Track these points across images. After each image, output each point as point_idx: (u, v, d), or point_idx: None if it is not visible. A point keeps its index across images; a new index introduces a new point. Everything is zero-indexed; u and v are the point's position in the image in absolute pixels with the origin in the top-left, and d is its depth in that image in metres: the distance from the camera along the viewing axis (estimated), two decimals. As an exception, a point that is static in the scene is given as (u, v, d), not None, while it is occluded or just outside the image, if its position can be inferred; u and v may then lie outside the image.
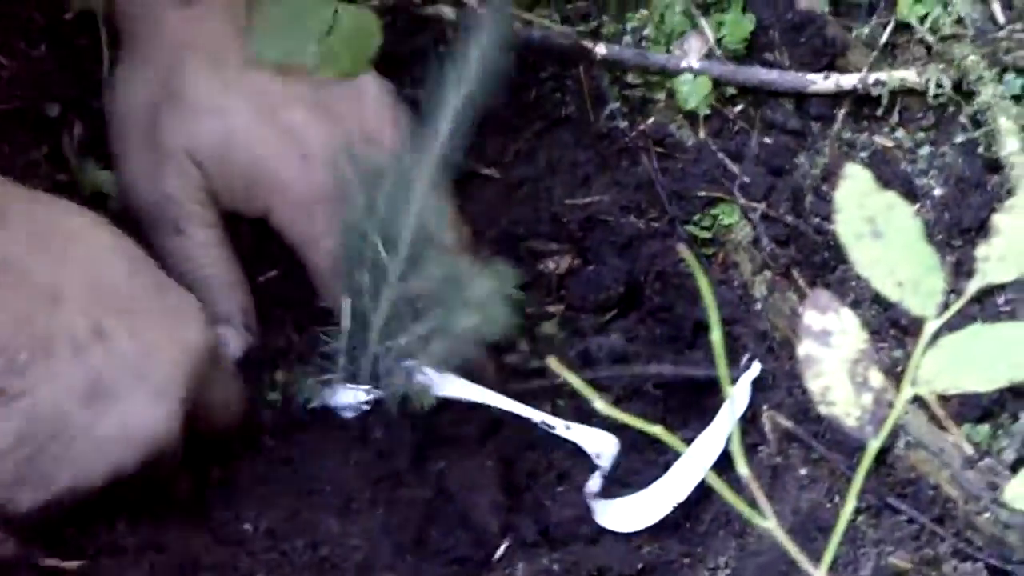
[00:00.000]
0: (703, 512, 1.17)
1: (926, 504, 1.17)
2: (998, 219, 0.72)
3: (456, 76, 1.08)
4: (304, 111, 1.19)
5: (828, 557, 0.69)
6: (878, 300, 1.29)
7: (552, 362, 0.68)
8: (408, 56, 1.32)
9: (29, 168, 1.21)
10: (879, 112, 1.38)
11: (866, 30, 1.41)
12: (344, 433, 1.15)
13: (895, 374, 1.22)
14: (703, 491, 1.18)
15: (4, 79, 1.24)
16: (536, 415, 1.18)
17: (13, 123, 1.23)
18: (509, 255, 1.27)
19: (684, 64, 1.36)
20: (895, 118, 1.39)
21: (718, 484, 0.69)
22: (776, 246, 1.31)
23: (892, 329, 1.28)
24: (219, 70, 1.18)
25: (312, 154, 1.17)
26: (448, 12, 1.36)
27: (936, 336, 0.71)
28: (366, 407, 1.15)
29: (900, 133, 1.39)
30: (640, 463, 1.20)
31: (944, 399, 1.23)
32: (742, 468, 0.68)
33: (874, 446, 0.69)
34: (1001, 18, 1.40)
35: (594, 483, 1.18)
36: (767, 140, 1.37)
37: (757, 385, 1.21)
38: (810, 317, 0.71)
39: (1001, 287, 1.27)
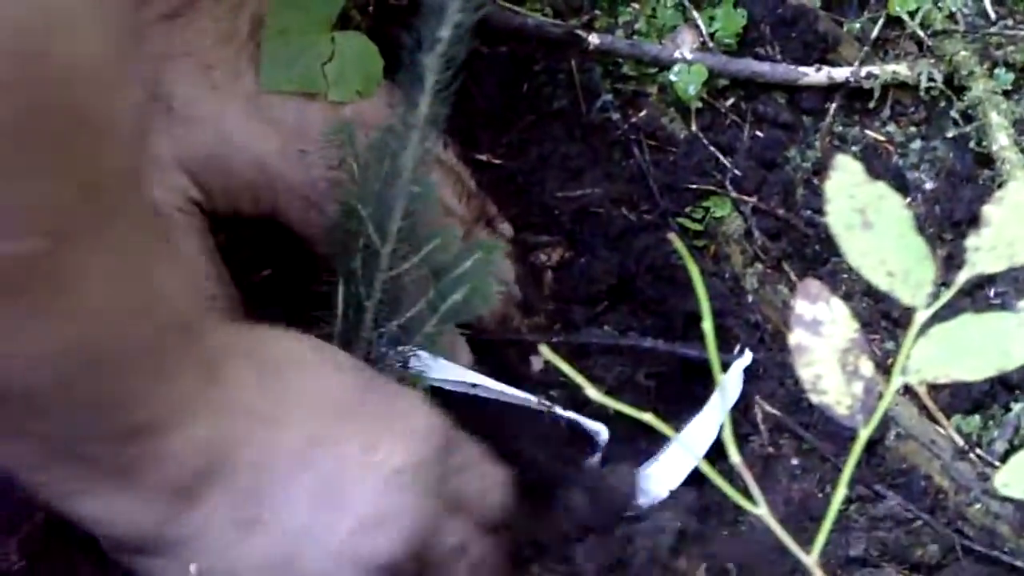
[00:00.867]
0: (694, 501, 1.17)
1: (917, 495, 1.17)
2: (989, 210, 0.72)
3: (431, 40, 1.08)
4: (296, 105, 1.19)
5: (819, 543, 0.69)
6: (869, 293, 1.29)
7: (544, 350, 0.69)
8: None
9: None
10: (871, 106, 1.39)
11: (857, 25, 1.42)
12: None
13: (886, 366, 1.23)
14: (694, 480, 1.18)
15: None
16: (532, 399, 1.19)
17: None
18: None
19: (677, 55, 1.36)
20: (886, 112, 1.39)
21: (710, 471, 0.70)
22: (767, 239, 1.32)
23: (883, 321, 1.28)
24: (206, 77, 1.18)
25: (309, 148, 1.18)
26: None
27: (926, 326, 0.71)
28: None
29: (891, 127, 1.39)
30: (631, 453, 1.20)
31: (934, 390, 1.24)
32: (734, 456, 0.68)
33: (864, 434, 0.69)
34: (992, 13, 1.41)
35: (594, 461, 1.18)
36: (759, 133, 1.38)
37: (748, 376, 1.22)
38: (801, 306, 0.71)
39: (991, 279, 1.27)
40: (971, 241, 0.72)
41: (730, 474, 0.73)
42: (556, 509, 1.13)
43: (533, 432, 1.19)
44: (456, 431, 1.03)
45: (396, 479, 0.96)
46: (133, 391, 0.86)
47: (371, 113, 1.19)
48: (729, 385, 1.20)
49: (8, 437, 0.86)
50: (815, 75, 1.38)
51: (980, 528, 1.16)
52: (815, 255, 1.32)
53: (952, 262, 1.28)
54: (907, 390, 1.24)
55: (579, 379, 0.69)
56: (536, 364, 1.22)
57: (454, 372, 1.18)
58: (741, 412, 1.22)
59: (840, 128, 1.39)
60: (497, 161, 1.35)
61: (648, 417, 0.68)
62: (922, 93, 1.37)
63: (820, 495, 1.17)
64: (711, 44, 1.39)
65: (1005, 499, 1.16)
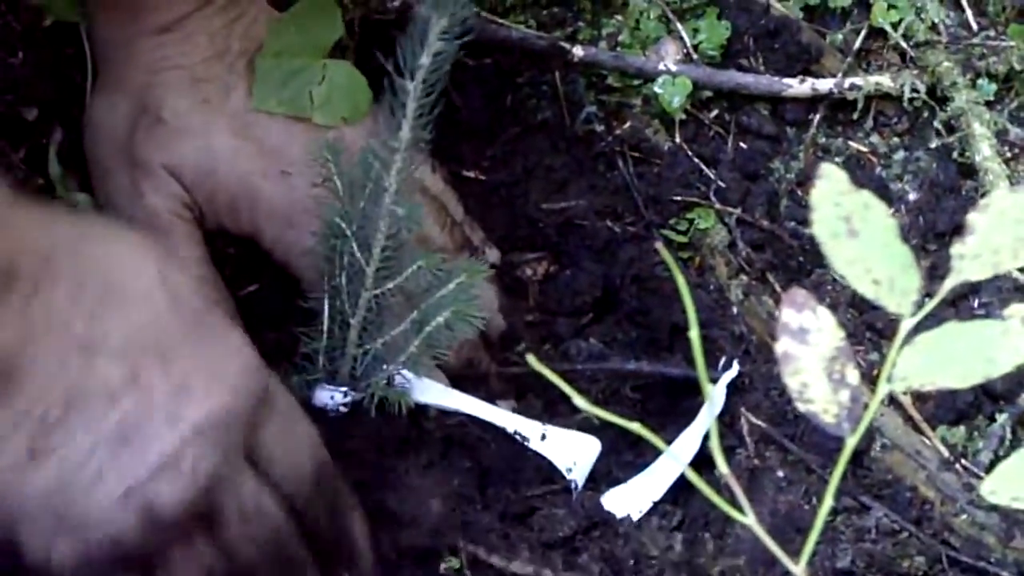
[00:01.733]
0: (681, 514, 1.17)
1: (903, 506, 1.17)
2: (973, 218, 0.72)
3: (412, 67, 1.08)
4: (282, 127, 1.20)
5: (807, 551, 0.69)
6: (853, 304, 1.29)
7: (532, 359, 0.68)
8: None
9: (7, 171, 1.21)
10: (854, 117, 1.39)
11: (840, 36, 1.42)
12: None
13: (871, 377, 1.23)
14: (680, 493, 1.18)
15: (-19, 83, 1.24)
16: (511, 424, 1.18)
17: (-9, 126, 1.23)
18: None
19: (661, 67, 1.36)
20: (870, 123, 1.40)
21: (698, 481, 0.69)
22: (752, 250, 1.32)
23: (867, 332, 1.28)
24: (197, 90, 1.19)
25: (293, 168, 1.18)
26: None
27: (911, 335, 0.71)
28: (344, 408, 1.15)
29: (875, 138, 1.39)
30: (617, 466, 1.20)
31: (919, 401, 1.24)
32: (722, 466, 0.68)
33: (851, 442, 0.69)
34: (974, 24, 1.42)
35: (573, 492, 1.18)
36: (742, 145, 1.38)
37: (734, 387, 1.22)
38: (787, 315, 0.71)
39: (975, 289, 1.28)
40: (956, 249, 0.72)
41: (716, 486, 0.73)
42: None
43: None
44: (276, 384, 1.01)
45: (200, 431, 0.93)
46: None
47: (353, 137, 1.19)
48: (716, 398, 1.20)
49: None
50: (799, 86, 1.38)
51: (966, 539, 1.16)
52: (799, 266, 1.32)
53: (936, 272, 1.28)
54: (892, 401, 1.24)
55: (567, 388, 0.69)
56: (504, 406, 1.21)
57: (438, 392, 1.18)
58: (727, 424, 1.22)
59: (823, 139, 1.39)
60: (481, 176, 1.35)
61: (637, 427, 0.68)
62: (905, 104, 1.38)
63: (806, 507, 1.17)
64: (695, 56, 1.39)
65: (991, 509, 1.16)
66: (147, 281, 0.96)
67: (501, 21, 1.39)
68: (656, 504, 1.17)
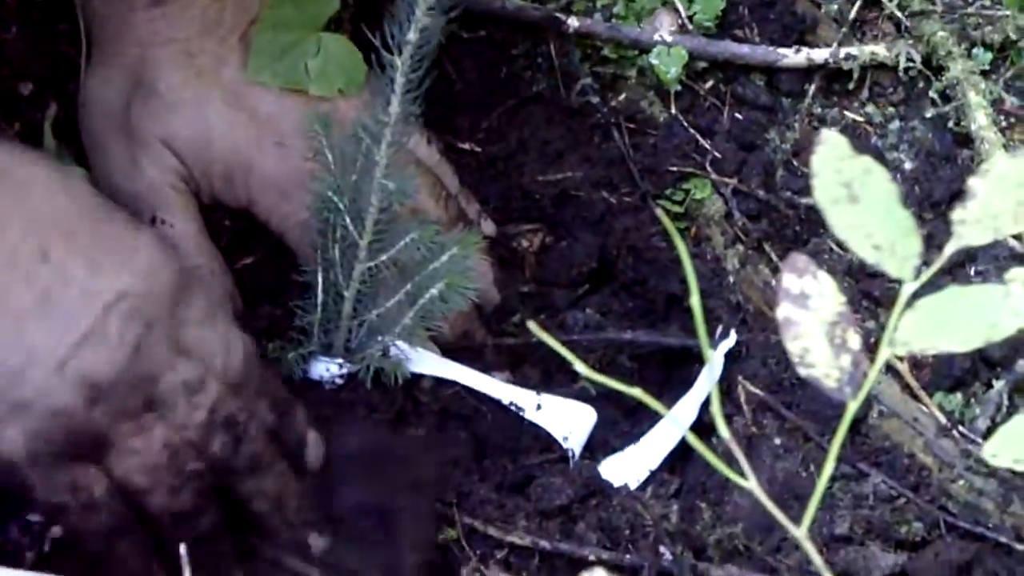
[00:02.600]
0: (678, 483, 1.17)
1: (901, 472, 1.18)
2: (974, 183, 0.72)
3: (400, 42, 1.08)
4: (275, 98, 1.20)
5: (809, 515, 0.69)
6: (850, 273, 1.30)
7: (533, 326, 0.69)
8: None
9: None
10: (849, 87, 1.39)
11: (835, 6, 1.42)
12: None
13: (869, 345, 1.23)
14: (677, 462, 1.19)
15: (-25, 59, 1.24)
16: (506, 394, 1.19)
17: (-15, 101, 1.23)
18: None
19: (656, 37, 1.36)
20: (865, 93, 1.40)
21: (698, 445, 0.70)
22: (748, 220, 1.32)
23: (864, 301, 1.29)
24: (191, 63, 1.19)
25: (286, 140, 1.19)
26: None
27: (912, 300, 0.71)
28: (340, 380, 1.16)
29: (870, 108, 1.40)
30: (613, 436, 1.20)
31: (917, 368, 1.24)
32: (723, 430, 0.68)
33: (853, 406, 0.69)
34: (969, -6, 1.42)
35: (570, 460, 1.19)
36: (738, 116, 1.38)
37: (731, 356, 1.22)
38: (788, 280, 0.71)
39: (972, 258, 1.28)
40: (956, 214, 0.72)
41: (714, 454, 0.73)
42: None
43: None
44: (199, 282, 1.03)
45: (120, 300, 0.96)
46: None
47: (347, 110, 1.19)
48: (714, 365, 1.21)
49: None
50: (794, 56, 1.38)
51: (964, 504, 1.16)
52: (796, 235, 1.32)
53: (933, 242, 1.28)
54: (889, 368, 1.24)
55: (567, 354, 0.69)
56: (499, 377, 1.22)
57: (433, 363, 1.18)
58: (724, 392, 1.22)
59: (819, 109, 1.39)
60: (477, 149, 1.35)
61: (637, 392, 0.68)
62: (901, 74, 1.38)
63: (803, 474, 1.17)
64: (690, 26, 1.39)
65: (989, 475, 1.17)
66: (41, 173, 0.99)
67: (497, -6, 1.38)
68: (653, 473, 1.18)
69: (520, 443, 1.20)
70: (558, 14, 1.37)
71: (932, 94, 1.37)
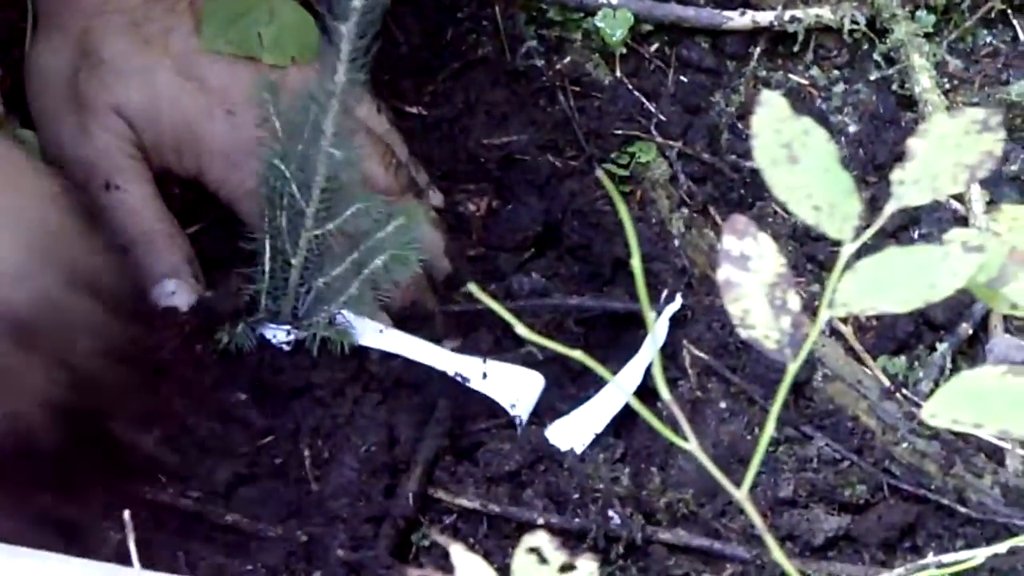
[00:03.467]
0: (624, 446, 1.17)
1: (844, 435, 1.18)
2: (913, 143, 0.72)
3: (345, 9, 1.07)
4: (226, 67, 1.19)
5: (748, 478, 0.69)
6: (794, 236, 1.30)
7: (474, 288, 0.68)
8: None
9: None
10: (794, 50, 1.39)
11: (779, -31, 1.42)
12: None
13: (812, 308, 1.23)
14: (623, 426, 1.19)
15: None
16: (451, 365, 1.18)
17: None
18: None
19: (602, 0, 1.36)
20: (810, 56, 1.40)
21: (641, 409, 0.69)
22: (693, 183, 1.32)
23: (808, 264, 1.29)
24: (138, 32, 1.18)
25: (236, 109, 1.18)
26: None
27: (852, 261, 0.71)
28: (286, 347, 1.15)
29: (815, 71, 1.40)
30: (560, 400, 1.20)
31: (861, 332, 1.25)
32: (665, 393, 0.68)
33: (793, 368, 0.69)
34: (913, -45, 1.42)
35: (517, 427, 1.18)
36: (683, 79, 1.38)
37: (676, 321, 1.22)
38: (728, 242, 0.71)
39: (915, 221, 1.28)
40: (896, 175, 0.72)
41: (658, 418, 0.73)
42: None
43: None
44: (90, 218, 1.03)
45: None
46: None
47: (298, 78, 1.19)
48: (658, 330, 1.21)
49: None
50: (739, 19, 1.38)
51: (907, 467, 1.17)
52: (741, 199, 1.32)
53: (876, 204, 1.29)
54: (833, 332, 1.24)
55: (509, 317, 0.69)
56: (449, 345, 1.21)
57: (378, 334, 1.18)
58: (669, 357, 1.22)
59: (764, 72, 1.39)
60: (423, 112, 1.35)
61: (579, 354, 0.67)
62: (845, 36, 1.38)
63: (748, 437, 1.17)
64: (635, -11, 1.39)
65: (932, 438, 1.17)
66: None
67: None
68: (599, 437, 1.18)
69: (468, 409, 1.19)
70: (503, -24, 1.37)
71: (876, 57, 1.38)
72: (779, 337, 0.70)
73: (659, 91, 1.36)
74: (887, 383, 1.21)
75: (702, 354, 1.21)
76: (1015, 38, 1.40)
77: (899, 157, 0.70)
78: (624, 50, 1.37)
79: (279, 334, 1.15)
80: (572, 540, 1.09)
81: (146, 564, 0.86)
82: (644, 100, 1.35)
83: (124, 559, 0.99)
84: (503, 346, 1.24)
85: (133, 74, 1.17)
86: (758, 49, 1.39)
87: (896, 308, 0.70)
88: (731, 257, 0.71)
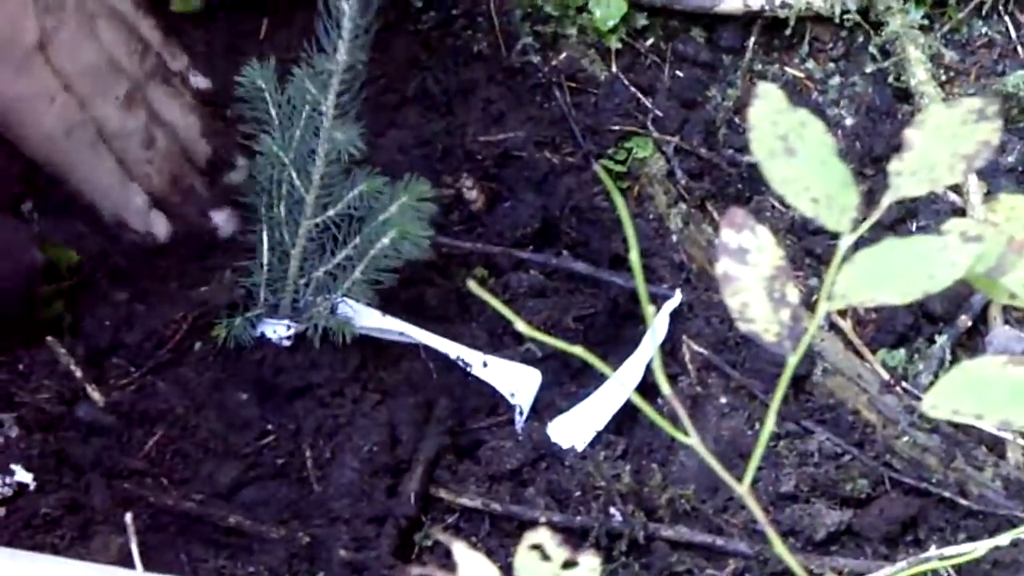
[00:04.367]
0: (625, 444, 1.17)
1: (845, 429, 1.18)
2: (910, 134, 0.72)
3: None
4: (54, 48, 1.14)
5: (750, 473, 0.69)
6: (792, 230, 1.30)
7: (472, 285, 0.68)
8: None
9: None
10: (792, 41, 1.39)
11: (773, -42, 1.42)
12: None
13: (811, 303, 1.23)
14: (624, 423, 1.18)
15: None
16: (453, 350, 1.18)
17: None
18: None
19: (596, -11, 1.36)
20: (805, 49, 1.39)
21: (643, 404, 0.69)
22: (690, 178, 1.32)
23: (807, 258, 1.29)
24: None
25: (62, 89, 1.14)
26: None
27: (850, 253, 0.71)
28: (287, 342, 1.15)
29: (810, 64, 1.39)
30: (560, 397, 1.20)
31: (860, 326, 1.24)
32: (665, 388, 0.68)
33: (793, 360, 0.69)
34: (908, -53, 1.41)
35: (516, 419, 1.18)
36: (679, 73, 1.38)
37: (675, 316, 1.22)
38: (727, 235, 0.70)
39: (913, 213, 1.28)
40: (893, 166, 0.72)
41: (659, 414, 0.73)
42: None
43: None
44: None
45: None
46: None
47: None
48: (658, 326, 1.20)
49: None
50: (730, 3, 1.37)
51: (908, 460, 1.16)
52: (738, 193, 1.32)
53: (873, 197, 1.28)
54: (832, 326, 1.24)
55: (509, 313, 0.68)
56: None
57: (381, 320, 1.17)
58: (669, 352, 1.22)
59: (759, 66, 1.39)
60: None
61: (579, 350, 0.67)
62: (839, 25, 1.38)
63: (749, 432, 1.17)
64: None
65: (932, 431, 1.17)
66: None
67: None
68: (600, 434, 1.18)
69: (468, 407, 1.19)
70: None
71: (872, 49, 1.37)
72: (778, 330, 0.69)
73: (655, 86, 1.36)
74: (887, 376, 1.21)
75: (702, 349, 1.21)
76: (1010, 28, 1.40)
77: (896, 149, 0.70)
78: (619, 45, 1.36)
79: (279, 329, 1.15)
80: (574, 538, 1.09)
81: (148, 567, 0.86)
82: (640, 95, 1.35)
83: (126, 562, 0.99)
84: (502, 343, 1.23)
85: None
86: (753, 41, 1.38)
87: (895, 299, 0.69)
88: (729, 250, 0.70)
